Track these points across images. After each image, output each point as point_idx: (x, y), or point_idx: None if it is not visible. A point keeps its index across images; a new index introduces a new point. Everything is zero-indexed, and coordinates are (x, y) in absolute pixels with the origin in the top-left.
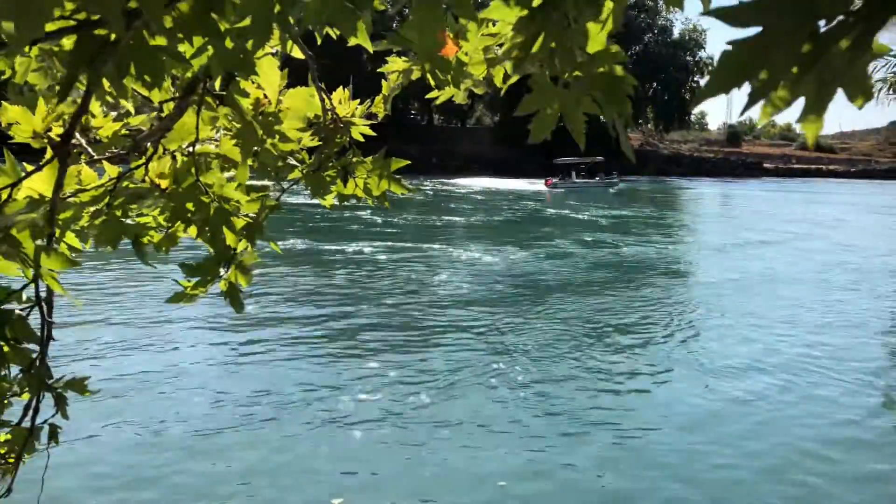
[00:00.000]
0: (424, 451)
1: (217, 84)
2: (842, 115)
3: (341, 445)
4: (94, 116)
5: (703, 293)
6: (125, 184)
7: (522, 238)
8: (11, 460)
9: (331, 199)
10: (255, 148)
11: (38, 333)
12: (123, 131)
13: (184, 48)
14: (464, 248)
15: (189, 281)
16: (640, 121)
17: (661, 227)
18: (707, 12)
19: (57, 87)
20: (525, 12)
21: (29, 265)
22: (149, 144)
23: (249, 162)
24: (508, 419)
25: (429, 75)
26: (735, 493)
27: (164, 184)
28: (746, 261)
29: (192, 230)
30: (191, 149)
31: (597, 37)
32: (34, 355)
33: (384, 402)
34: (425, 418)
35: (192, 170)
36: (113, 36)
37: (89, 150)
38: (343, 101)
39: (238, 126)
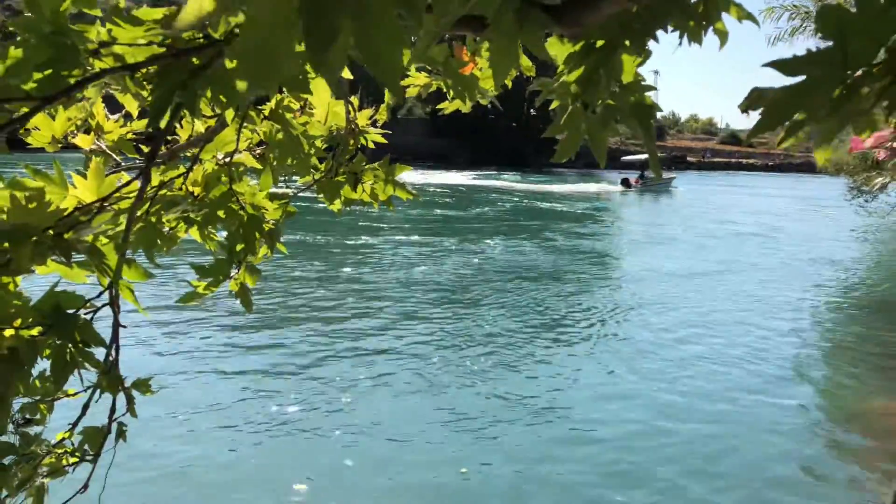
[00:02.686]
0: (396, 439)
1: (274, 101)
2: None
3: (310, 439)
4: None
5: (645, 285)
6: (163, 191)
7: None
8: (75, 459)
9: (339, 204)
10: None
11: (105, 338)
12: (129, 136)
13: None
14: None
15: (200, 281)
16: None
17: (600, 221)
18: (767, 64)
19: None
20: (577, 48)
21: (107, 275)
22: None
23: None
24: (472, 408)
25: (450, 90)
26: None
27: (197, 191)
28: (682, 253)
29: (193, 230)
30: (226, 159)
31: (629, 69)
32: (99, 358)
33: (342, 394)
34: (392, 406)
35: (223, 178)
36: (195, 61)
37: (112, 155)
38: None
39: (280, 138)
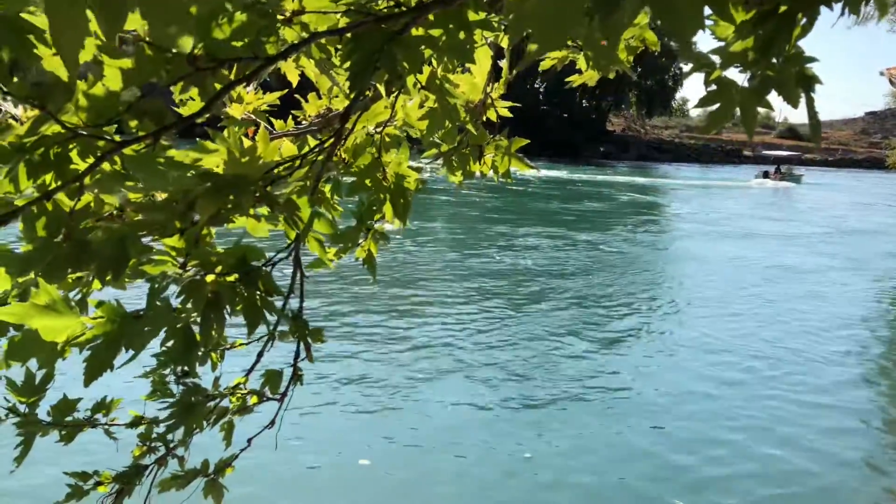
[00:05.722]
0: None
1: (433, 72)
2: (820, 105)
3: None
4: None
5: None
6: (320, 157)
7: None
8: (255, 399)
9: (460, 176)
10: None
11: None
12: (264, 107)
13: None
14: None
15: (331, 248)
16: (623, 106)
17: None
18: None
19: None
20: (750, 16)
21: (296, 228)
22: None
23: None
24: (547, 393)
25: (590, 62)
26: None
27: (347, 158)
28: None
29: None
30: (377, 129)
31: (793, 40)
32: (279, 305)
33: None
34: (458, 390)
35: (370, 148)
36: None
37: (264, 123)
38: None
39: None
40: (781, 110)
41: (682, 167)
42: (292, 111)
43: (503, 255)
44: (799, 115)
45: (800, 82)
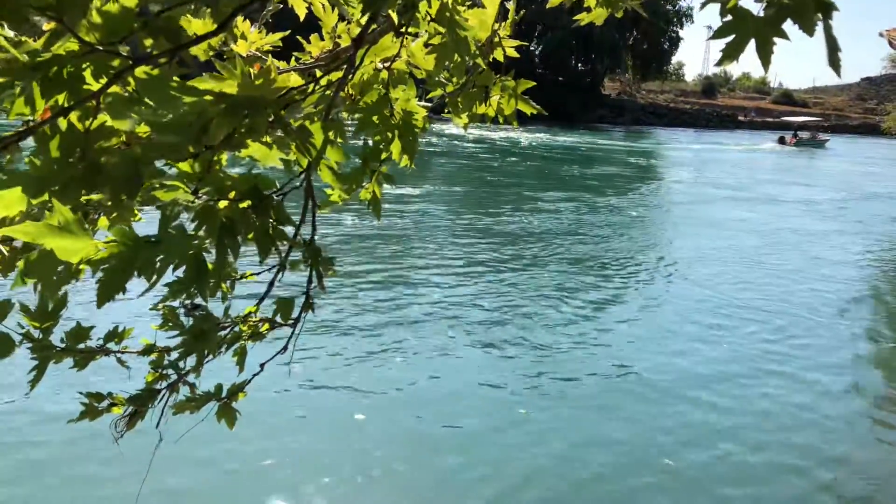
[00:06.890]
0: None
1: (443, 4)
2: (816, 71)
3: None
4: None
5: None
6: (328, 92)
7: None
8: (266, 326)
9: (465, 119)
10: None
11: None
12: (266, 47)
13: None
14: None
15: (334, 190)
16: (618, 70)
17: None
18: None
19: None
20: None
21: (308, 155)
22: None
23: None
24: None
25: None
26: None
27: (355, 94)
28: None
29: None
30: (385, 64)
31: None
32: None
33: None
34: (454, 350)
35: (378, 84)
36: None
37: (267, 59)
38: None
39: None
40: (776, 75)
41: (678, 132)
42: (294, 52)
43: (510, 217)
44: (794, 81)
45: (820, 7)
